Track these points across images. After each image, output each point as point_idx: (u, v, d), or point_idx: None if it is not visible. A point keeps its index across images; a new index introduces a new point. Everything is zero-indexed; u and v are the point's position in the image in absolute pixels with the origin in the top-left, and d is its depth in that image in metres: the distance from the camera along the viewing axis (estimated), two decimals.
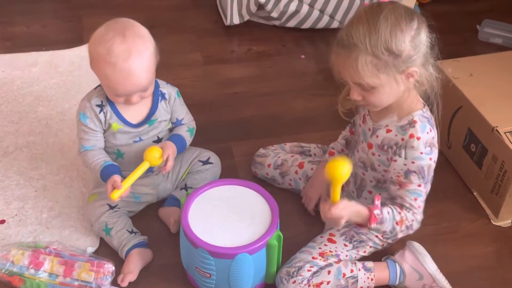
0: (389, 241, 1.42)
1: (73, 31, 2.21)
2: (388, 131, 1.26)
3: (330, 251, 1.35)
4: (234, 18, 2.22)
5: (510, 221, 1.57)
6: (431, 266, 1.34)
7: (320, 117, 1.88)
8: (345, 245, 1.37)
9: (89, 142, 1.41)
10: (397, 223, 1.26)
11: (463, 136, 1.64)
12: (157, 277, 1.40)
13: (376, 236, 1.39)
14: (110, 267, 1.34)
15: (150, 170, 1.42)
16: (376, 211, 1.24)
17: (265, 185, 1.57)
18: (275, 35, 2.25)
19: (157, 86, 1.43)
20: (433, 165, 1.24)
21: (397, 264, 1.36)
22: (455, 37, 2.19)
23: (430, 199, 1.31)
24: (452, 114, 1.65)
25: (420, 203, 1.26)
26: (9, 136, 1.75)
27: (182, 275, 1.39)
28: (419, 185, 1.24)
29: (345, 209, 1.21)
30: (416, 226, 1.27)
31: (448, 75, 1.62)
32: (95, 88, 1.43)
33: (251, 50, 2.18)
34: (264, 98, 1.96)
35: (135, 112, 1.42)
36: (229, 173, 1.62)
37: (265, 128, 1.83)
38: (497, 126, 1.50)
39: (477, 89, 1.61)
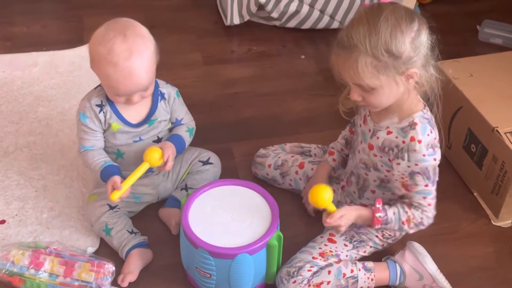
0: (389, 241, 1.42)
1: (74, 31, 2.21)
2: (389, 132, 1.26)
3: (330, 251, 1.35)
4: (234, 18, 2.22)
5: (510, 221, 1.57)
6: (431, 266, 1.34)
7: (320, 117, 1.88)
8: (345, 245, 1.37)
9: (89, 142, 1.41)
10: (403, 223, 1.28)
11: (463, 137, 1.64)
12: (157, 277, 1.40)
13: (376, 236, 1.40)
14: (110, 267, 1.34)
15: (150, 170, 1.42)
16: (378, 214, 1.27)
17: (265, 185, 1.57)
18: (275, 35, 2.25)
19: (156, 86, 1.43)
20: (437, 165, 1.25)
21: (397, 264, 1.36)
22: (455, 38, 2.19)
23: None
24: (452, 115, 1.65)
25: (429, 200, 1.27)
26: (10, 136, 1.75)
27: (182, 275, 1.39)
28: (426, 185, 1.24)
29: (343, 218, 1.26)
30: (427, 222, 1.29)
31: (448, 76, 1.62)
32: (95, 88, 1.43)
33: (251, 50, 2.18)
34: (264, 98, 1.96)
35: (135, 112, 1.42)
36: (229, 174, 1.62)
37: (265, 128, 1.83)
38: (497, 127, 1.50)
39: (477, 90, 1.61)
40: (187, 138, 1.50)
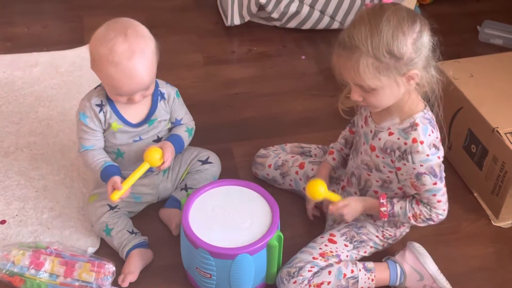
0: (390, 241, 1.42)
1: (74, 31, 2.21)
2: (390, 133, 1.26)
3: (331, 252, 1.35)
4: (234, 18, 2.22)
5: (511, 222, 1.57)
6: (431, 266, 1.34)
7: (321, 118, 1.88)
8: (346, 246, 1.37)
9: (89, 141, 1.41)
10: (409, 218, 1.30)
11: (463, 137, 1.64)
12: (157, 277, 1.40)
13: (377, 237, 1.40)
14: (110, 267, 1.34)
15: (149, 170, 1.42)
16: (383, 209, 1.31)
17: (266, 185, 1.57)
18: (275, 35, 2.25)
19: (156, 86, 1.43)
20: (442, 161, 1.25)
21: (397, 265, 1.36)
22: (455, 38, 2.19)
23: None
24: (453, 115, 1.65)
25: (439, 197, 1.28)
26: (10, 136, 1.75)
27: (183, 276, 1.39)
28: (435, 183, 1.25)
29: (348, 207, 1.33)
30: (437, 218, 1.30)
31: (449, 77, 1.62)
32: (95, 88, 1.43)
33: (252, 50, 2.19)
34: (265, 98, 1.96)
35: (135, 112, 1.42)
36: (229, 174, 1.63)
37: (266, 129, 1.83)
38: (497, 127, 1.50)
39: (477, 90, 1.61)
40: (186, 138, 1.50)
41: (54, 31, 2.24)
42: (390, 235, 1.40)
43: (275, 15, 2.20)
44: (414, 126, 1.23)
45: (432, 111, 1.26)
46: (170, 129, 1.50)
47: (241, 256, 1.24)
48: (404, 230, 1.43)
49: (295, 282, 1.29)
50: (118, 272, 1.36)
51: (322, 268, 1.31)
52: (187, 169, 1.57)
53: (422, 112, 1.24)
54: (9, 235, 1.47)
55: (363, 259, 1.39)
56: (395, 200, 1.32)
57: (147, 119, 1.43)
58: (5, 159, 1.67)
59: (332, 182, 1.50)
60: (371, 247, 1.40)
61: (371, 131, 1.31)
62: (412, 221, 1.31)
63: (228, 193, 1.37)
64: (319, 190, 1.32)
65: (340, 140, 1.49)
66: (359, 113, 1.38)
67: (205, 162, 1.57)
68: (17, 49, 2.10)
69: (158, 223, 1.51)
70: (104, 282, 1.32)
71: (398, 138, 1.25)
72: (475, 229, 1.55)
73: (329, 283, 1.29)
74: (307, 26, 2.24)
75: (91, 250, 1.43)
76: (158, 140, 1.46)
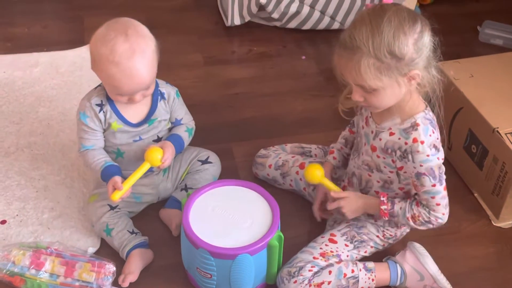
0: (390, 241, 1.42)
1: (74, 31, 2.21)
2: (391, 134, 1.26)
3: (331, 251, 1.35)
4: (235, 19, 2.22)
5: (511, 222, 1.57)
6: (432, 266, 1.34)
7: (321, 118, 1.88)
8: (346, 245, 1.37)
9: (89, 141, 1.41)
10: (408, 219, 1.30)
11: (464, 137, 1.64)
12: (158, 277, 1.40)
13: (377, 237, 1.40)
14: (111, 267, 1.34)
15: (149, 170, 1.42)
16: (383, 207, 1.31)
17: (266, 185, 1.57)
18: (276, 36, 2.25)
19: (156, 85, 1.43)
20: (442, 163, 1.25)
21: (398, 265, 1.36)
22: (455, 38, 2.19)
23: None
24: (453, 115, 1.65)
25: (438, 200, 1.27)
26: (10, 136, 1.75)
27: (183, 276, 1.39)
28: (434, 185, 1.25)
29: (346, 200, 1.34)
30: (436, 222, 1.30)
31: (450, 78, 1.62)
32: (95, 88, 1.43)
33: (252, 51, 2.19)
34: (265, 99, 1.96)
35: (135, 112, 1.42)
36: (229, 174, 1.63)
37: (266, 129, 1.83)
38: (497, 127, 1.50)
39: (477, 90, 1.61)
40: (186, 138, 1.50)
41: (54, 31, 2.24)
42: (390, 235, 1.40)
43: (275, 15, 2.20)
44: (415, 126, 1.23)
45: (433, 111, 1.26)
46: (170, 129, 1.50)
47: (241, 256, 1.24)
48: (404, 230, 1.43)
49: (295, 281, 1.29)
50: (119, 272, 1.36)
51: (322, 268, 1.31)
52: (187, 169, 1.57)
53: (423, 113, 1.24)
54: (9, 235, 1.47)
55: (364, 259, 1.39)
56: (396, 200, 1.32)
57: (147, 119, 1.43)
58: (6, 159, 1.67)
59: (333, 182, 1.49)
60: (371, 247, 1.40)
61: (372, 132, 1.31)
62: (411, 222, 1.31)
63: (228, 193, 1.37)
64: (315, 173, 1.35)
65: (340, 140, 1.50)
66: (360, 114, 1.38)
67: (205, 162, 1.57)
68: (18, 49, 2.10)
69: (159, 223, 1.51)
70: (105, 282, 1.32)
71: (399, 138, 1.25)
72: (476, 230, 1.55)
73: (329, 282, 1.30)
74: (307, 26, 2.24)
75: (92, 250, 1.43)
76: (158, 140, 1.46)
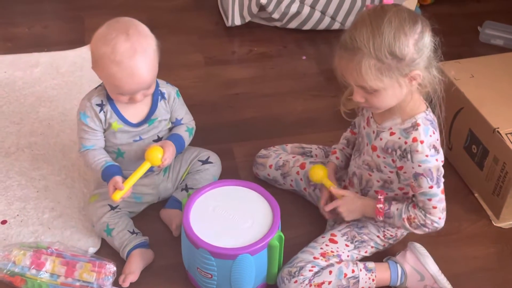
0: (391, 241, 1.42)
1: (75, 32, 2.22)
2: (392, 133, 1.27)
3: (332, 251, 1.35)
4: (235, 19, 2.22)
5: (511, 222, 1.57)
6: (432, 267, 1.34)
7: (321, 118, 1.88)
8: (347, 245, 1.37)
9: (90, 141, 1.42)
10: (404, 220, 1.30)
11: (464, 138, 1.64)
12: (158, 277, 1.40)
13: (378, 237, 1.40)
14: (111, 267, 1.34)
15: (150, 170, 1.42)
16: (379, 205, 1.31)
17: (267, 186, 1.57)
18: (276, 36, 2.25)
19: (156, 85, 1.43)
20: (441, 165, 1.25)
21: (398, 265, 1.36)
22: (456, 39, 2.19)
23: None
24: (453, 116, 1.65)
25: (435, 203, 1.27)
26: (11, 136, 1.75)
27: (184, 276, 1.40)
28: (431, 187, 1.25)
29: (345, 199, 1.36)
30: (432, 225, 1.29)
31: (450, 78, 1.62)
32: (95, 88, 1.43)
33: (252, 51, 2.19)
34: (265, 99, 1.96)
35: (135, 112, 1.42)
36: (230, 174, 1.63)
37: (266, 129, 1.83)
38: (498, 128, 1.50)
39: (478, 91, 1.61)
40: (187, 138, 1.50)
41: (54, 31, 2.24)
42: (391, 235, 1.40)
43: (275, 15, 2.20)
44: (415, 126, 1.23)
45: (433, 112, 1.26)
46: (170, 129, 1.51)
47: (242, 256, 1.24)
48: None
49: (296, 281, 1.29)
50: (119, 272, 1.36)
51: (323, 268, 1.31)
52: (188, 169, 1.57)
53: (424, 113, 1.24)
54: (10, 235, 1.47)
55: (364, 259, 1.39)
56: (393, 202, 1.32)
57: (147, 118, 1.43)
58: (6, 159, 1.68)
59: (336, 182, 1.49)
60: (372, 247, 1.40)
61: (373, 132, 1.31)
62: (407, 224, 1.30)
63: (229, 194, 1.37)
64: (318, 171, 1.41)
65: (342, 140, 1.50)
66: (361, 115, 1.38)
67: (205, 162, 1.57)
68: (18, 50, 2.10)
69: (159, 223, 1.52)
70: (105, 282, 1.32)
71: (399, 138, 1.25)
72: (476, 230, 1.55)
73: (329, 282, 1.30)
74: (307, 26, 2.24)
75: (92, 250, 1.43)
76: (158, 140, 1.46)
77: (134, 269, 1.36)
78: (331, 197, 1.42)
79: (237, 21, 2.23)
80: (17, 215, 1.52)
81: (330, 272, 1.31)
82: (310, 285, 1.29)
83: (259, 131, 1.83)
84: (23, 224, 1.49)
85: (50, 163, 1.66)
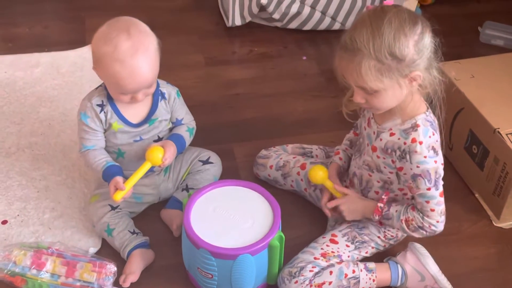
0: (391, 242, 1.42)
1: (76, 32, 2.22)
2: (392, 134, 1.27)
3: (332, 252, 1.35)
4: (235, 19, 2.22)
5: None
6: (433, 267, 1.34)
7: (322, 119, 1.88)
8: (347, 246, 1.37)
9: (90, 141, 1.42)
10: (402, 221, 1.30)
11: (464, 138, 1.64)
12: (159, 277, 1.40)
13: (378, 237, 1.40)
14: (112, 267, 1.34)
15: (150, 170, 1.42)
16: (380, 204, 1.31)
17: (267, 186, 1.57)
18: (276, 36, 2.25)
19: (157, 85, 1.43)
20: (441, 168, 1.25)
21: (399, 265, 1.36)
22: (456, 39, 2.19)
23: None
24: (454, 116, 1.65)
25: (433, 206, 1.27)
26: (11, 137, 1.75)
27: (184, 276, 1.40)
28: (429, 189, 1.25)
29: (345, 197, 1.35)
30: (430, 229, 1.29)
31: (451, 78, 1.62)
32: (96, 88, 1.43)
33: (253, 51, 2.19)
34: (266, 99, 1.96)
35: (136, 112, 1.42)
36: (230, 174, 1.63)
37: (267, 130, 1.83)
38: (498, 128, 1.50)
39: (478, 91, 1.61)
40: (187, 138, 1.50)
41: (55, 31, 2.24)
42: (392, 235, 1.40)
43: (276, 15, 2.20)
44: (415, 127, 1.23)
45: (434, 113, 1.26)
46: (171, 129, 1.51)
47: (242, 257, 1.24)
48: None
49: (296, 282, 1.29)
50: (120, 273, 1.36)
51: (323, 268, 1.31)
52: (188, 169, 1.57)
53: (424, 114, 1.24)
54: (10, 235, 1.47)
55: (365, 259, 1.39)
56: (393, 204, 1.33)
57: (148, 118, 1.43)
58: (7, 159, 1.68)
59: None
60: (372, 247, 1.40)
61: (374, 132, 1.31)
62: (404, 226, 1.30)
63: (229, 194, 1.37)
64: (317, 173, 1.39)
65: (345, 141, 1.50)
66: (362, 115, 1.38)
67: (206, 162, 1.57)
68: (19, 50, 2.11)
69: (160, 223, 1.52)
70: (106, 282, 1.32)
71: (399, 138, 1.25)
72: (476, 230, 1.55)
73: (330, 283, 1.30)
74: (308, 27, 2.24)
75: (93, 250, 1.43)
76: (158, 140, 1.47)
77: (135, 269, 1.36)
78: (332, 198, 1.42)
79: (238, 22, 2.23)
80: (18, 215, 1.52)
81: (331, 272, 1.31)
82: (311, 286, 1.29)
83: (259, 131, 1.83)
84: (24, 224, 1.50)
85: (51, 163, 1.66)
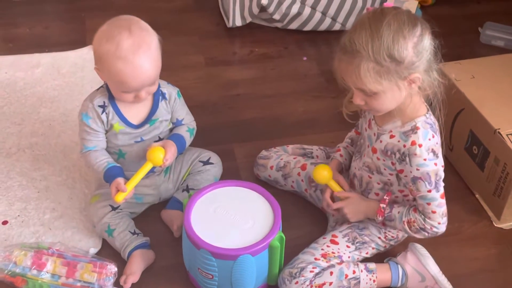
0: (392, 242, 1.42)
1: (76, 32, 2.22)
2: (392, 136, 1.27)
3: (333, 252, 1.35)
4: (236, 20, 2.22)
5: None
6: (433, 268, 1.34)
7: (322, 119, 1.88)
8: (348, 246, 1.37)
9: (91, 142, 1.42)
10: (404, 223, 1.30)
11: (465, 138, 1.64)
12: (159, 278, 1.40)
13: (379, 238, 1.40)
14: (112, 268, 1.34)
15: (151, 170, 1.42)
16: (382, 205, 1.31)
17: (268, 186, 1.57)
18: (277, 37, 2.25)
19: (158, 85, 1.43)
20: (441, 170, 1.25)
21: (399, 266, 1.36)
22: (457, 40, 2.19)
23: None
24: (454, 116, 1.66)
25: (434, 208, 1.27)
26: (12, 137, 1.75)
27: (185, 276, 1.40)
28: (429, 191, 1.25)
29: (349, 201, 1.36)
30: (432, 230, 1.29)
31: (451, 79, 1.62)
32: (97, 89, 1.43)
33: (253, 52, 2.19)
34: (266, 100, 1.96)
35: (137, 113, 1.42)
36: (231, 175, 1.63)
37: (267, 130, 1.83)
38: (499, 128, 1.50)
39: (479, 91, 1.61)
40: (188, 138, 1.50)
41: (56, 32, 2.25)
42: (392, 236, 1.40)
43: (276, 16, 2.20)
44: (415, 129, 1.23)
45: (434, 114, 1.26)
46: (171, 130, 1.51)
47: (243, 257, 1.24)
48: None
49: (296, 282, 1.29)
50: (120, 273, 1.36)
51: (323, 269, 1.31)
52: (189, 169, 1.57)
53: (424, 117, 1.24)
54: (11, 235, 1.47)
55: (365, 260, 1.39)
56: (395, 205, 1.33)
57: (148, 119, 1.43)
58: (7, 159, 1.68)
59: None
60: (373, 248, 1.40)
61: (374, 134, 1.31)
62: (406, 227, 1.30)
63: (229, 194, 1.37)
64: (322, 173, 1.38)
65: (346, 140, 1.50)
66: (363, 116, 1.38)
67: (206, 163, 1.57)
68: (19, 50, 2.11)
69: (160, 224, 1.52)
70: (106, 283, 1.32)
71: (399, 141, 1.25)
72: (477, 231, 1.55)
73: (330, 283, 1.30)
74: (308, 27, 2.24)
75: (93, 250, 1.43)
76: (159, 141, 1.46)
77: (135, 270, 1.36)
78: (332, 198, 1.42)
79: (238, 22, 2.23)
80: (18, 215, 1.52)
81: (331, 273, 1.31)
82: (311, 286, 1.29)
83: (260, 132, 1.83)
84: (24, 225, 1.50)
85: (51, 163, 1.67)
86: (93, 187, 1.59)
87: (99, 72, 1.34)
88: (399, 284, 1.36)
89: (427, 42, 1.16)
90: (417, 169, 1.23)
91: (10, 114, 1.83)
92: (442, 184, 1.27)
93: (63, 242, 1.43)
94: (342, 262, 1.34)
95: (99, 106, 1.39)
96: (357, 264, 1.34)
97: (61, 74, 2.00)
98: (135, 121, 1.42)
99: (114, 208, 1.45)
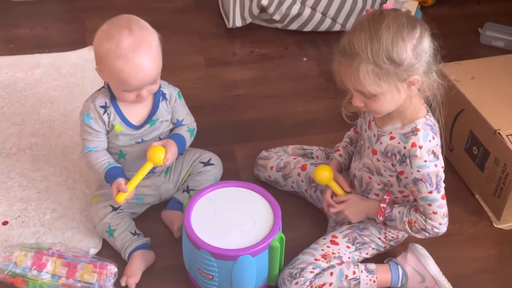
0: (392, 243, 1.42)
1: (76, 33, 2.22)
2: (392, 138, 1.27)
3: (333, 253, 1.35)
4: (236, 20, 2.22)
5: None
6: (433, 268, 1.34)
7: (322, 120, 1.88)
8: (348, 247, 1.37)
9: (93, 143, 1.42)
10: (405, 223, 1.30)
11: (465, 139, 1.64)
12: (159, 278, 1.40)
13: (379, 238, 1.40)
14: (112, 268, 1.34)
15: (151, 171, 1.42)
16: (383, 205, 1.31)
17: (268, 187, 1.57)
18: (277, 37, 2.26)
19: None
20: (441, 171, 1.25)
21: (399, 266, 1.36)
22: (457, 40, 2.19)
23: None
24: (454, 117, 1.66)
25: (435, 209, 1.27)
26: (12, 137, 1.75)
27: (185, 277, 1.40)
28: (430, 192, 1.25)
29: (348, 203, 1.36)
30: (432, 231, 1.29)
31: (451, 80, 1.62)
32: (99, 89, 1.43)
33: (253, 52, 2.19)
34: (266, 100, 1.96)
35: (137, 113, 1.42)
36: (231, 175, 1.63)
37: (267, 131, 1.83)
38: (499, 129, 1.50)
39: (479, 92, 1.61)
40: (188, 138, 1.50)
41: (56, 32, 2.25)
42: (392, 237, 1.41)
43: (276, 17, 2.20)
44: (415, 131, 1.23)
45: (434, 115, 1.26)
46: (171, 130, 1.51)
47: (243, 258, 1.24)
48: None
49: (297, 283, 1.29)
50: (120, 273, 1.36)
51: (324, 270, 1.31)
52: (189, 170, 1.57)
53: (424, 118, 1.24)
54: (11, 236, 1.47)
55: (365, 260, 1.39)
56: (395, 205, 1.33)
57: (149, 119, 1.43)
58: (7, 160, 1.68)
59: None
60: (373, 248, 1.40)
61: (374, 135, 1.31)
62: (407, 228, 1.31)
63: (230, 195, 1.37)
64: (323, 173, 1.38)
65: (345, 139, 1.50)
66: (363, 117, 1.38)
67: (206, 163, 1.57)
68: (19, 51, 2.11)
69: (160, 224, 1.52)
70: (106, 283, 1.32)
71: (399, 142, 1.25)
72: (477, 231, 1.55)
73: (330, 284, 1.30)
74: (308, 28, 2.24)
75: (93, 251, 1.43)
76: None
77: (136, 271, 1.36)
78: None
79: (238, 23, 2.23)
80: (18, 216, 1.52)
81: (331, 273, 1.31)
82: (311, 287, 1.29)
83: (260, 132, 1.83)
84: (24, 225, 1.50)
85: (51, 164, 1.67)
86: (94, 187, 1.59)
87: (100, 72, 1.35)
88: (399, 284, 1.36)
89: (426, 44, 1.16)
90: (418, 171, 1.23)
91: (11, 115, 1.83)
92: (443, 185, 1.27)
93: (63, 243, 1.43)
94: (342, 262, 1.34)
95: (101, 106, 1.39)
96: (357, 265, 1.34)
97: (62, 74, 2.00)
98: (135, 121, 1.42)
99: (115, 209, 1.45)
